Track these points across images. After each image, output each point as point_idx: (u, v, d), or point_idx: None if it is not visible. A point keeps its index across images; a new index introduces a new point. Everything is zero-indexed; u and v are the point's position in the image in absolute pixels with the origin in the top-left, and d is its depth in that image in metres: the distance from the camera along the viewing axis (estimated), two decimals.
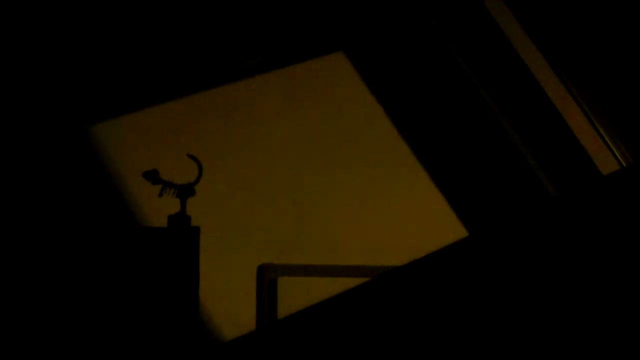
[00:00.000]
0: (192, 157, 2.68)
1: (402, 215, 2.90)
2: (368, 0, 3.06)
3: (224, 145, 2.82)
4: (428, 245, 2.63)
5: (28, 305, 2.36)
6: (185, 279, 2.46)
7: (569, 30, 2.93)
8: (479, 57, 2.99)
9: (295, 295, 2.66)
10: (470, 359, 2.10)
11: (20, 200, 2.55)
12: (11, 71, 2.66)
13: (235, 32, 2.89)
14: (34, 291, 2.38)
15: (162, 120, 2.78)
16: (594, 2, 2.87)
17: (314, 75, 2.98)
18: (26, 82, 2.67)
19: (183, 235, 2.50)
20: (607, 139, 2.86)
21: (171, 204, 2.62)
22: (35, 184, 2.59)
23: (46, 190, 2.59)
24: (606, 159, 2.85)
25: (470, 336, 2.11)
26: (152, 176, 2.63)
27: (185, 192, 2.62)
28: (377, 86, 3.04)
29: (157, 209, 2.62)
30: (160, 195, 2.62)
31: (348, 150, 2.93)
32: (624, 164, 2.84)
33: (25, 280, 2.38)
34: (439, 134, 3.03)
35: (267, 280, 2.69)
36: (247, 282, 2.69)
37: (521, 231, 2.22)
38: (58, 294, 2.38)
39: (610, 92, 2.90)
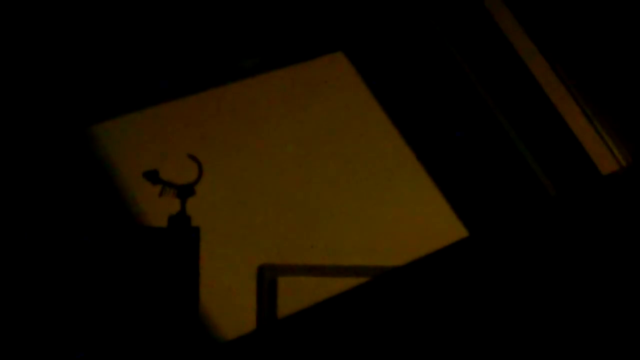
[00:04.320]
0: (192, 157, 2.68)
1: (402, 215, 2.90)
2: (368, 0, 3.06)
3: (224, 145, 2.81)
4: (428, 245, 2.63)
5: (27, 305, 2.36)
6: (185, 279, 2.46)
7: (569, 30, 2.93)
8: (479, 57, 2.99)
9: (295, 295, 2.65)
10: (470, 359, 2.10)
11: (20, 200, 2.55)
12: (11, 71, 2.66)
13: (235, 32, 2.89)
14: (34, 291, 2.38)
15: (162, 120, 2.78)
16: (594, 2, 2.87)
17: (314, 75, 2.98)
18: (26, 82, 2.67)
19: (183, 235, 2.50)
20: (607, 139, 2.86)
21: (171, 204, 2.62)
22: (35, 184, 2.59)
23: (46, 190, 2.59)
24: (606, 159, 2.85)
25: (470, 336, 2.11)
26: (152, 176, 2.63)
27: (185, 192, 2.62)
28: (377, 86, 3.04)
29: (157, 209, 2.61)
30: (160, 195, 2.62)
31: (348, 150, 2.93)
32: (624, 164, 2.84)
33: (25, 279, 2.38)
34: (439, 134, 3.03)
35: (267, 280, 2.69)
36: (247, 282, 2.69)
37: (521, 231, 2.22)
38: (58, 294, 2.38)
39: (610, 92, 2.90)
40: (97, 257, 2.43)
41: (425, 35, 3.04)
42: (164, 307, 2.42)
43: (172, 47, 2.82)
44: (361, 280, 2.53)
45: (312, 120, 2.93)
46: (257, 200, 2.79)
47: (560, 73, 2.90)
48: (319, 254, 2.77)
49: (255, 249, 2.73)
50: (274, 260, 2.71)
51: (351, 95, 3.01)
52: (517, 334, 2.07)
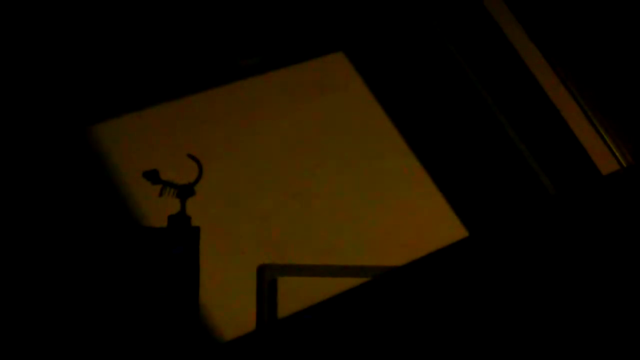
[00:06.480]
0: (192, 157, 2.68)
1: (402, 215, 2.90)
2: (368, 0, 3.06)
3: (224, 145, 2.82)
4: (428, 245, 2.63)
5: (28, 305, 2.36)
6: (185, 279, 2.46)
7: (569, 30, 2.93)
8: (479, 57, 2.99)
9: (295, 295, 2.65)
10: (470, 359, 2.10)
11: (20, 200, 2.55)
12: (11, 71, 2.66)
13: (235, 32, 2.89)
14: (34, 291, 2.38)
15: (162, 120, 2.78)
16: (594, 2, 2.87)
17: (314, 75, 2.98)
18: (26, 82, 2.67)
19: (183, 235, 2.50)
20: (607, 139, 2.86)
21: (171, 204, 2.62)
22: (35, 183, 2.59)
23: (46, 190, 2.59)
24: (606, 159, 2.85)
25: (470, 336, 2.11)
26: (152, 176, 2.63)
27: (185, 192, 2.62)
28: (377, 86, 3.04)
29: (157, 209, 2.62)
30: (160, 195, 2.62)
31: (348, 151, 2.93)
32: (624, 164, 2.84)
33: (25, 279, 2.38)
34: (439, 134, 3.03)
35: (267, 280, 2.69)
36: (247, 282, 2.69)
37: (521, 231, 2.22)
38: (58, 294, 2.38)
39: (610, 92, 2.90)
40: (98, 257, 2.43)
41: (425, 35, 3.04)
42: (164, 307, 2.42)
43: (172, 46, 2.82)
44: (361, 280, 2.53)
45: (312, 120, 2.93)
46: (256, 200, 2.79)
47: (560, 73, 2.90)
48: (319, 254, 2.77)
49: (255, 249, 2.73)
50: (274, 260, 2.71)
51: (351, 95, 3.01)
52: (517, 333, 2.08)
